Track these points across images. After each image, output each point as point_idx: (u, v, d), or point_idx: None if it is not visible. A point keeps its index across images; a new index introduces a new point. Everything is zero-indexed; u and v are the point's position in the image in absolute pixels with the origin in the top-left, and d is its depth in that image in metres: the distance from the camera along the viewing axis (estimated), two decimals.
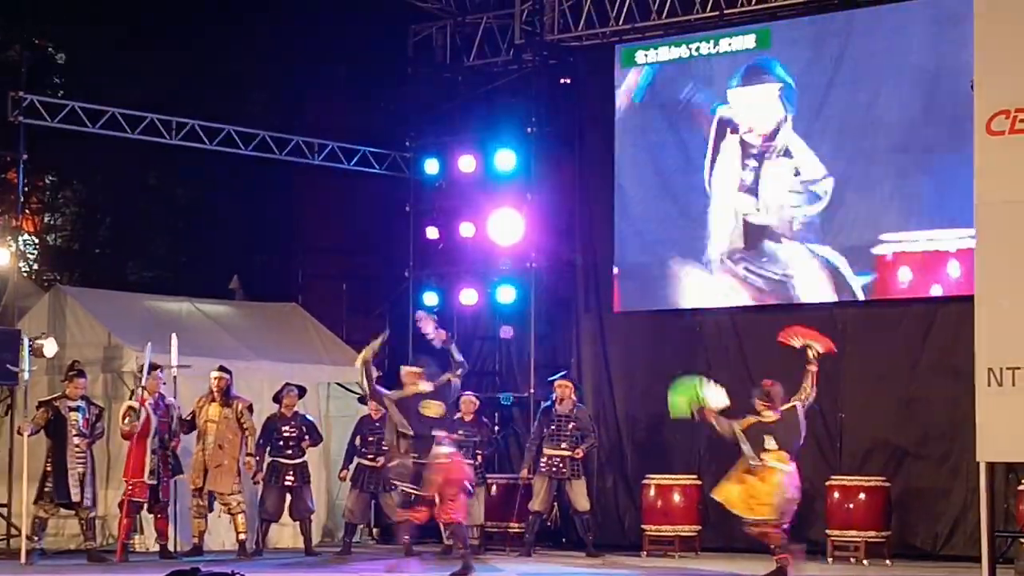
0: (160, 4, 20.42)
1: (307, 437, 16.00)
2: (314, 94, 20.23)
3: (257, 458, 15.68)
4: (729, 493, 12.90)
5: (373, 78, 19.44)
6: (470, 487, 13.38)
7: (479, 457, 16.16)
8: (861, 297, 16.17)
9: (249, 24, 20.38)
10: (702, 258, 17.14)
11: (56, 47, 22.60)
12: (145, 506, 15.26)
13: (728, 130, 17.02)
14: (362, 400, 16.10)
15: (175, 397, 15.58)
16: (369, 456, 16.02)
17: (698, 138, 17.23)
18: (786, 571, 12.86)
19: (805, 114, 16.59)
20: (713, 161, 17.12)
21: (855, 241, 16.17)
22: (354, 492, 16.13)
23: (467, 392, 16.54)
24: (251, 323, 18.14)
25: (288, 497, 15.99)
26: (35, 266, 22.82)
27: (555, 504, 16.57)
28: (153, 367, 15.13)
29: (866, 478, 15.42)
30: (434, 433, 12.83)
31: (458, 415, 16.25)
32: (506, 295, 18.28)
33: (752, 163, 16.88)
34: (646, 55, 17.69)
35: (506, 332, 18.37)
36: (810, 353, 13.06)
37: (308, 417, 16.24)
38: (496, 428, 17.50)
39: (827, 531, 15.35)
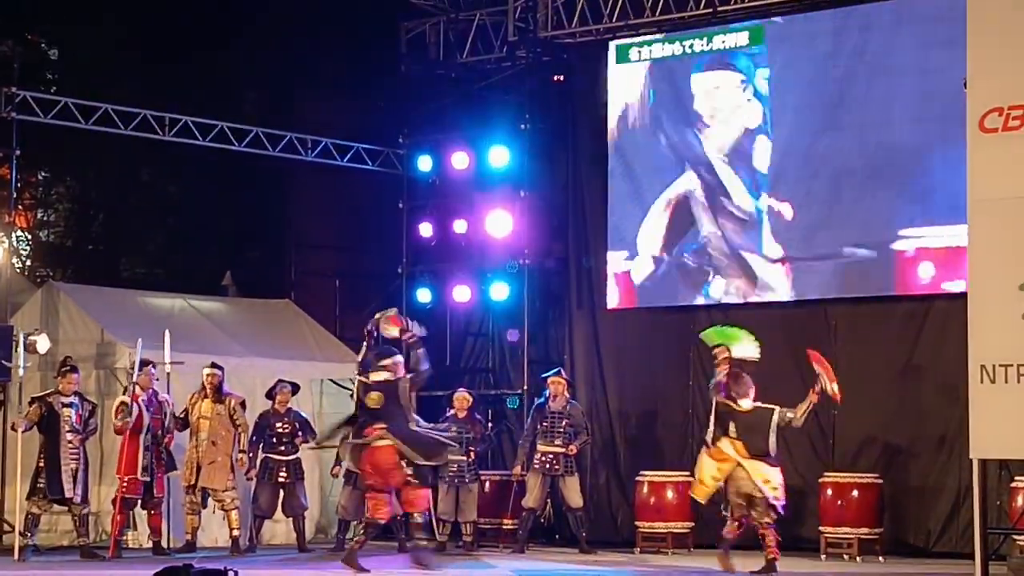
0: (153, 0, 20.40)
1: (300, 433, 16.00)
2: (307, 91, 20.20)
3: (250, 455, 15.68)
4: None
5: (366, 75, 19.42)
6: (414, 478, 12.85)
7: (472, 454, 16.17)
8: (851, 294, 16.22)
9: (242, 20, 20.37)
10: (695, 255, 17.15)
11: (49, 43, 22.58)
12: (138, 502, 15.26)
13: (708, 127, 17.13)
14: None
15: (168, 393, 15.57)
16: None
17: (689, 134, 17.26)
18: (774, 566, 13.00)
19: (798, 110, 16.62)
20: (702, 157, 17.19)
21: (849, 238, 16.19)
22: (347, 488, 16.11)
23: (461, 388, 16.58)
24: (244, 319, 18.14)
25: (281, 493, 15.98)
26: (28, 262, 22.81)
27: (548, 500, 16.61)
28: (145, 363, 15.13)
29: (859, 475, 15.44)
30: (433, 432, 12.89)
31: (451, 411, 16.30)
32: (499, 292, 18.28)
33: (733, 159, 16.98)
34: (639, 52, 17.71)
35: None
36: (819, 384, 13.22)
37: (301, 413, 16.23)
38: (489, 424, 17.51)
39: (820, 528, 15.38)
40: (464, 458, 16.03)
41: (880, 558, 15.07)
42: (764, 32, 16.87)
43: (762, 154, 16.80)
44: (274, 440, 15.91)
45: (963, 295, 11.22)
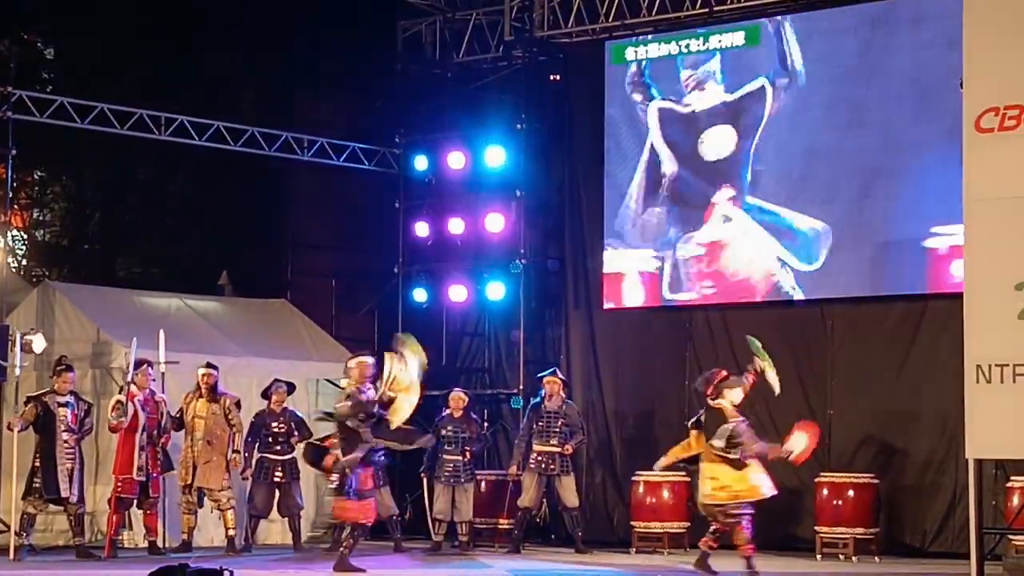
0: (151, 0, 20.39)
1: (296, 433, 15.98)
2: (304, 90, 20.19)
3: (245, 454, 15.67)
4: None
5: (363, 75, 19.42)
6: (362, 488, 13.04)
7: (468, 453, 16.17)
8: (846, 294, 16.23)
9: (238, 20, 20.35)
10: (692, 255, 17.15)
11: (45, 42, 22.57)
12: (134, 502, 15.25)
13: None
14: None
15: (163, 393, 15.56)
16: None
17: (687, 134, 17.26)
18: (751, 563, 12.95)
19: (798, 110, 16.62)
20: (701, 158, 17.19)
21: (847, 239, 16.20)
22: None
23: (456, 388, 16.58)
24: (240, 319, 18.13)
25: (277, 493, 15.97)
26: (24, 261, 22.81)
27: (544, 500, 16.59)
28: (141, 363, 15.12)
29: (855, 475, 15.43)
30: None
31: (447, 411, 16.30)
32: (495, 291, 18.27)
33: (733, 159, 16.97)
34: (635, 52, 17.71)
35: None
36: (787, 450, 13.07)
37: (297, 413, 16.22)
38: (485, 424, 17.50)
39: (816, 528, 15.37)
40: (460, 458, 16.04)
41: (876, 558, 15.06)
42: (760, 31, 16.86)
43: (762, 154, 16.79)
44: (270, 440, 15.90)
45: (959, 295, 11.20)
